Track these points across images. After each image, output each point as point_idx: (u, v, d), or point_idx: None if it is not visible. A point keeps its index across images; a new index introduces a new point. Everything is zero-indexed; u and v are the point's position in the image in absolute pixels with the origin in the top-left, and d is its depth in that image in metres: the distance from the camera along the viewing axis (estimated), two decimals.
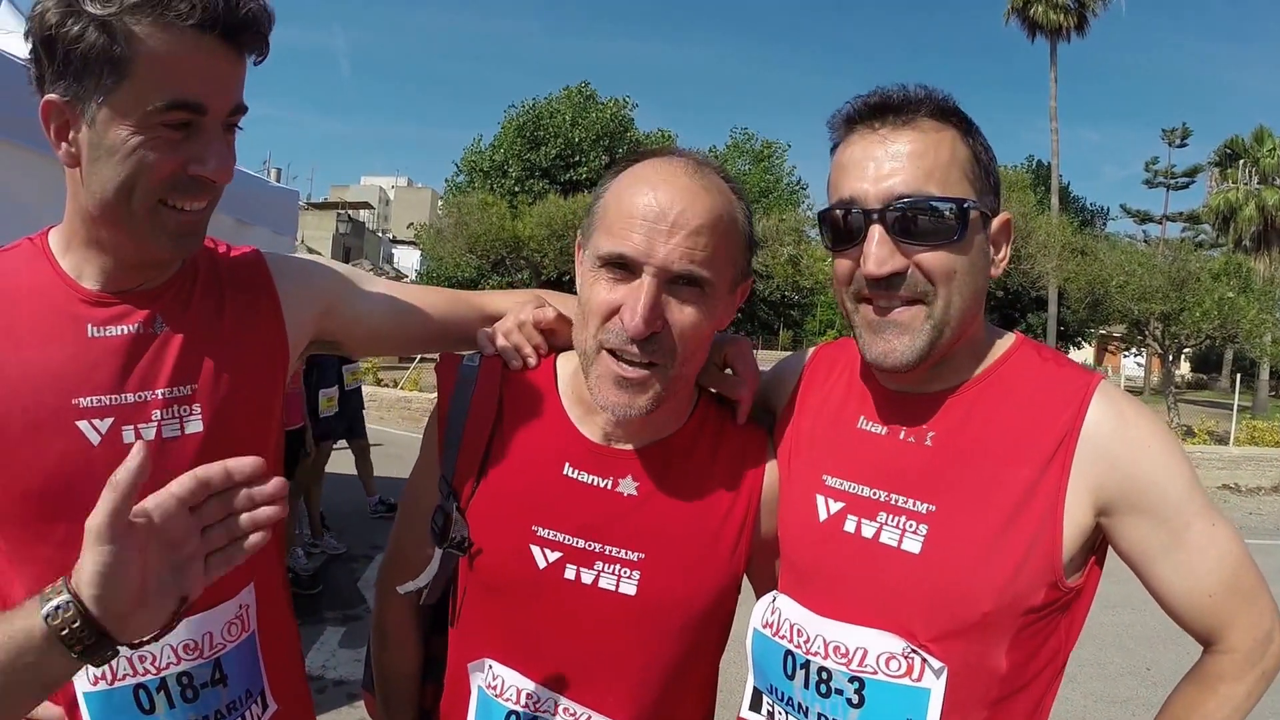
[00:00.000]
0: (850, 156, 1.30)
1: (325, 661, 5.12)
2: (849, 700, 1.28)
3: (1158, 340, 20.50)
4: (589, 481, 1.40)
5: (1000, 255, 1.35)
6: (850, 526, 1.32)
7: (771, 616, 1.40)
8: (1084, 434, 1.25)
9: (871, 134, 1.28)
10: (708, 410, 1.48)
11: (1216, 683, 1.27)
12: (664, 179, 1.29)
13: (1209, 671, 1.28)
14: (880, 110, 1.28)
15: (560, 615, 1.37)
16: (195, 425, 1.33)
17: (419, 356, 18.72)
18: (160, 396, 1.31)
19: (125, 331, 1.31)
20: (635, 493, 1.39)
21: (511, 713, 1.38)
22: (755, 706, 1.43)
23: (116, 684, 1.30)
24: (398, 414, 15.46)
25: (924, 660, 1.25)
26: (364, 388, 8.45)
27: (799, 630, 1.34)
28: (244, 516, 0.99)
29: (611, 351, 1.29)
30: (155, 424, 1.31)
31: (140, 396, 1.30)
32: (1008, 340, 1.39)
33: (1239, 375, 25.11)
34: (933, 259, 1.25)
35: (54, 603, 0.91)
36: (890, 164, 1.25)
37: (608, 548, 1.36)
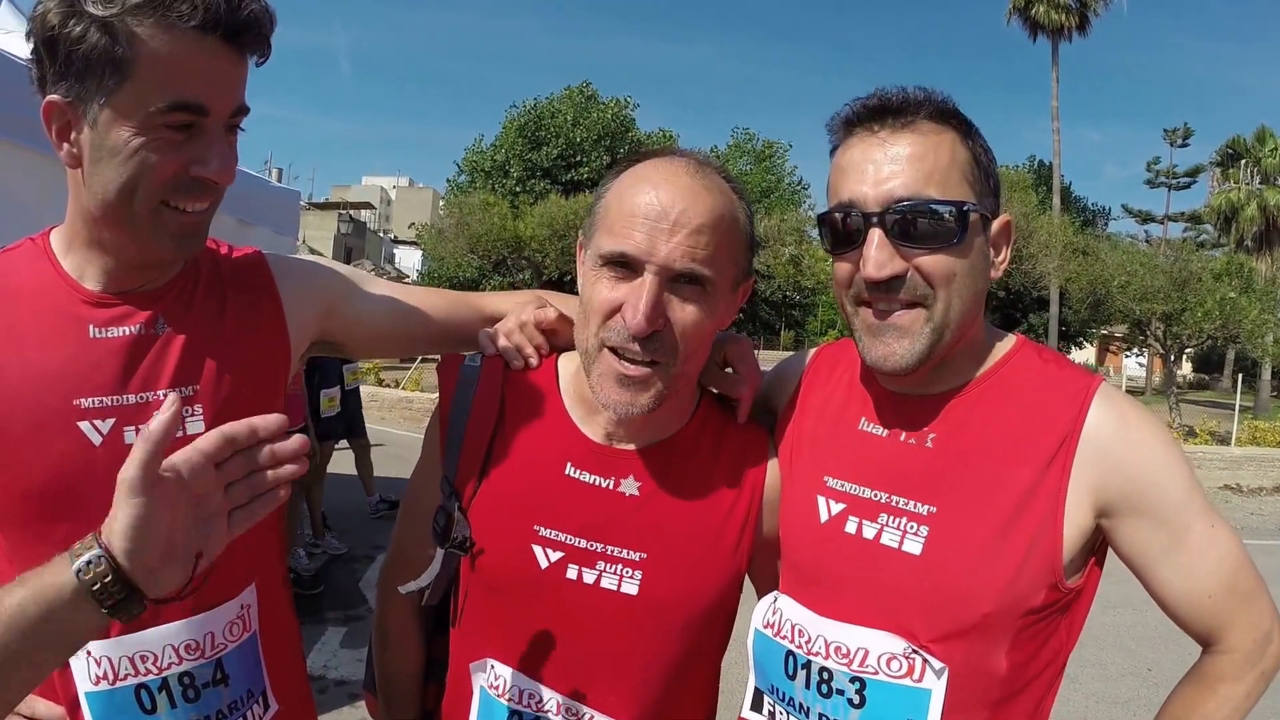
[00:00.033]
0: (849, 159, 1.29)
1: (327, 662, 5.12)
2: (850, 700, 1.28)
3: (1159, 340, 20.50)
4: (591, 481, 1.40)
5: (1000, 257, 1.35)
6: (851, 528, 1.32)
7: (773, 617, 1.40)
8: (1084, 436, 1.25)
9: (871, 137, 1.28)
10: (709, 410, 1.48)
11: (1216, 683, 1.27)
12: (665, 178, 1.29)
13: (1208, 672, 1.29)
14: (879, 113, 1.28)
15: (562, 615, 1.37)
16: (197, 426, 1.33)
17: (420, 357, 18.72)
18: (162, 397, 1.31)
19: (127, 332, 1.31)
20: (637, 493, 1.39)
21: (514, 712, 1.38)
22: (756, 706, 1.43)
23: (118, 684, 1.30)
24: (399, 414, 15.47)
25: (925, 661, 1.25)
26: (366, 388, 8.46)
27: (800, 630, 1.34)
28: (268, 473, 1.01)
29: (613, 350, 1.29)
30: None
31: (142, 397, 1.31)
32: (1008, 342, 1.39)
33: (1240, 375, 25.08)
34: (932, 262, 1.25)
35: (85, 557, 0.92)
36: (890, 167, 1.25)
37: (609, 548, 1.37)
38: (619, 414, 1.32)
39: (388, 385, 17.60)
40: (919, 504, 1.29)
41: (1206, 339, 20.63)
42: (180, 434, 1.31)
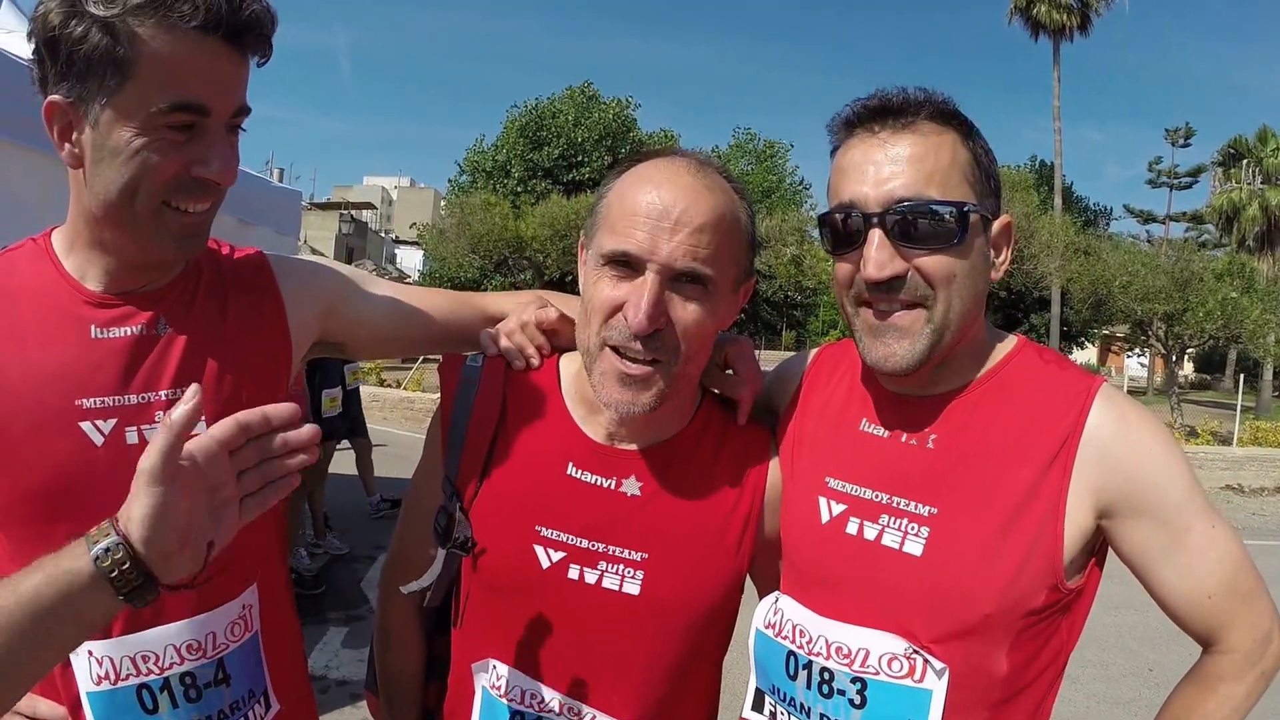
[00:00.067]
0: (850, 160, 1.30)
1: (328, 662, 5.12)
2: (851, 701, 1.28)
3: (1161, 341, 20.48)
4: (592, 481, 1.40)
5: (1001, 258, 1.35)
6: (853, 529, 1.33)
7: (774, 617, 1.40)
8: (1085, 437, 1.25)
9: (871, 137, 1.28)
10: (711, 411, 1.48)
11: (1216, 683, 1.27)
12: (667, 178, 1.29)
13: (1208, 672, 1.29)
14: (880, 113, 1.28)
15: (564, 615, 1.37)
16: (199, 426, 1.33)
17: (422, 357, 18.72)
18: (164, 398, 1.32)
19: (129, 333, 1.32)
20: (639, 493, 1.39)
21: (515, 712, 1.38)
22: (758, 707, 1.43)
23: (120, 684, 1.30)
24: (401, 414, 15.48)
25: (926, 661, 1.25)
26: (367, 388, 8.47)
27: (801, 631, 1.34)
28: (279, 462, 1.03)
29: (615, 349, 1.29)
30: (158, 425, 1.31)
31: (144, 398, 1.31)
32: (1009, 343, 1.39)
33: (1242, 376, 25.02)
34: (932, 262, 1.25)
35: (103, 545, 0.94)
36: (890, 167, 1.25)
37: (611, 547, 1.37)
38: (620, 413, 1.32)
39: (389, 385, 17.61)
40: (920, 505, 1.29)
41: (1208, 339, 20.62)
42: None
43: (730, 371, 1.51)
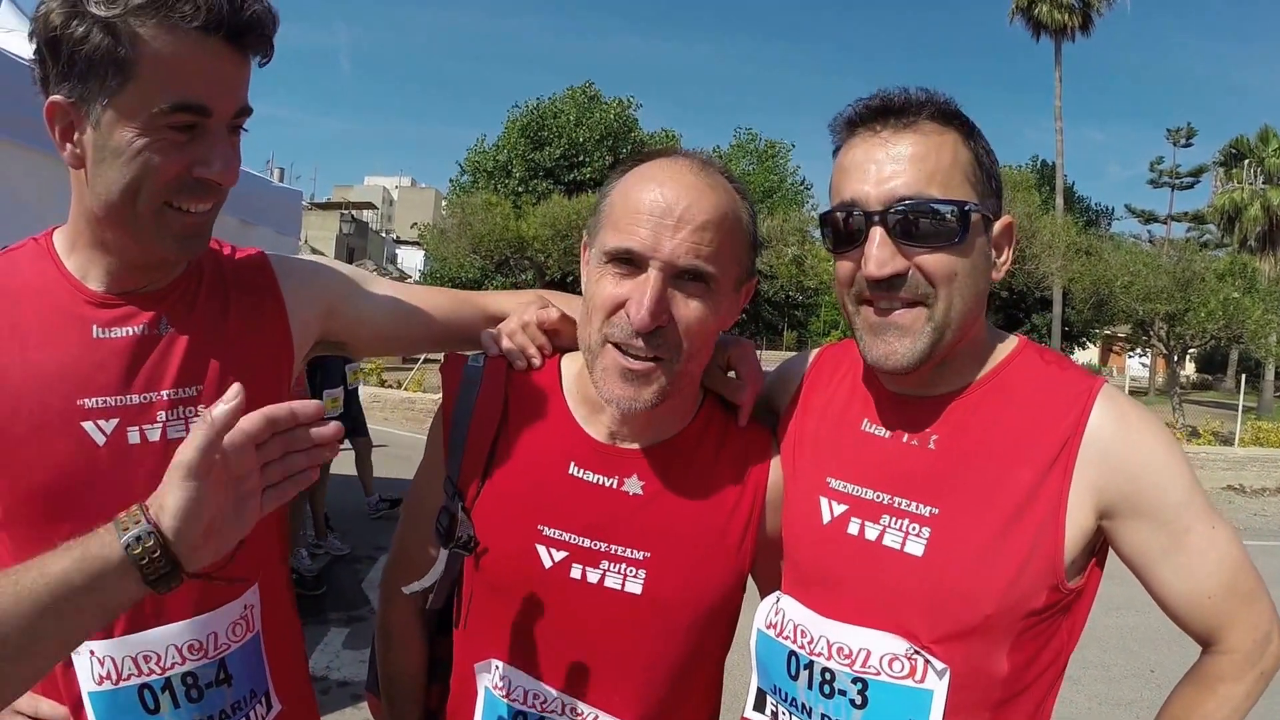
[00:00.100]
0: (852, 159, 1.30)
1: (329, 663, 5.13)
2: (852, 701, 1.28)
3: (1163, 341, 20.47)
4: (594, 481, 1.40)
5: (1002, 259, 1.35)
6: (854, 529, 1.33)
7: (775, 617, 1.40)
8: (1086, 437, 1.25)
9: (873, 136, 1.28)
10: (712, 411, 1.48)
11: (1216, 683, 1.28)
12: (670, 176, 1.30)
13: (1208, 672, 1.29)
14: (882, 113, 1.28)
15: (566, 615, 1.37)
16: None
17: (423, 357, 18.73)
18: (165, 398, 1.32)
19: (130, 333, 1.32)
20: (640, 492, 1.39)
21: (518, 712, 1.38)
22: (759, 707, 1.43)
23: (121, 684, 1.30)
24: (402, 415, 15.48)
25: (927, 661, 1.25)
26: (368, 389, 8.47)
27: (802, 631, 1.34)
28: (301, 455, 1.06)
29: (616, 345, 1.29)
30: (160, 425, 1.31)
31: (145, 398, 1.31)
32: (1010, 343, 1.39)
33: (1244, 376, 25.02)
34: (933, 261, 1.25)
35: (134, 533, 0.97)
36: (891, 166, 1.25)
37: (613, 547, 1.37)
38: (622, 409, 1.32)
39: (390, 386, 17.60)
40: (921, 505, 1.29)
41: (1210, 339, 20.60)
42: (183, 434, 1.32)
43: (732, 373, 1.51)
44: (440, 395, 1.52)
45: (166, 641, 1.32)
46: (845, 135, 1.33)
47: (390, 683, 1.63)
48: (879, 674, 1.27)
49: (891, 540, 1.29)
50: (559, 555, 1.37)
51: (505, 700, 1.39)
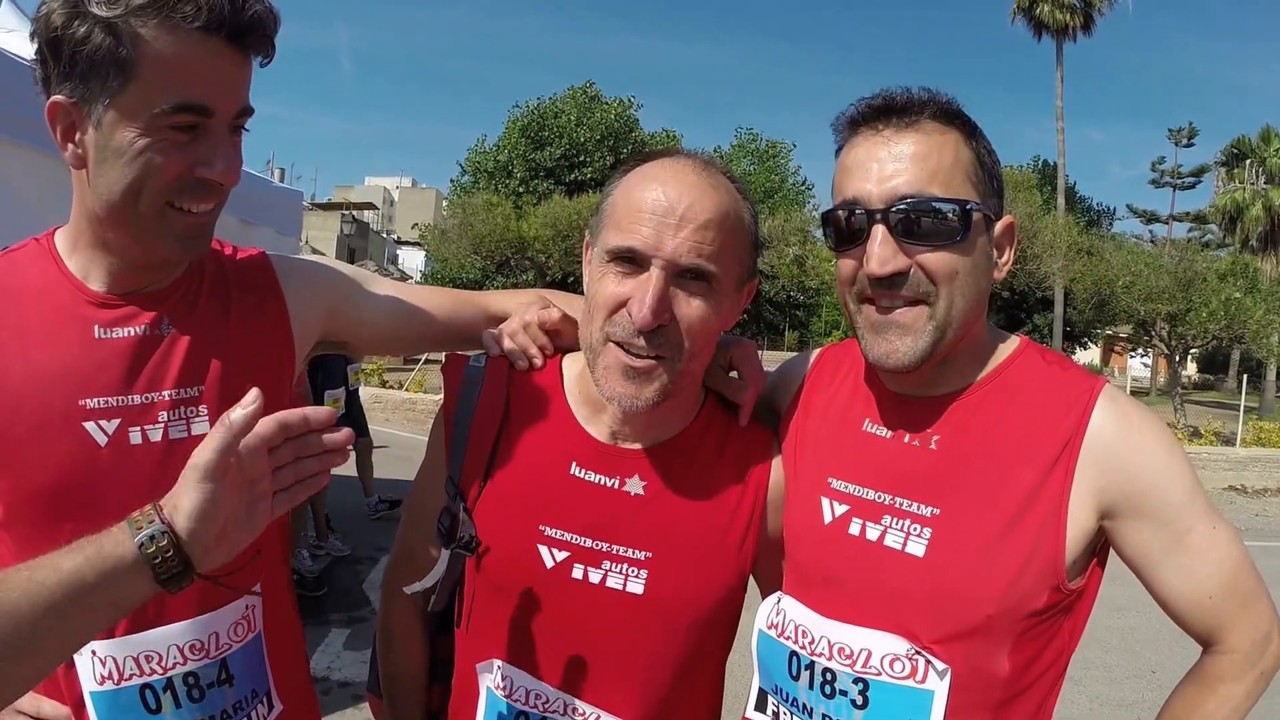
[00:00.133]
0: (854, 158, 1.30)
1: (330, 663, 5.13)
2: (853, 701, 1.28)
3: (1164, 341, 20.46)
4: (596, 481, 1.40)
5: (1004, 259, 1.35)
6: (855, 529, 1.32)
7: (776, 617, 1.40)
8: (1088, 438, 1.25)
9: (875, 135, 1.28)
10: (714, 410, 1.48)
11: (1216, 683, 1.28)
12: (673, 175, 1.30)
13: (1208, 672, 1.29)
14: (884, 112, 1.29)
15: (568, 615, 1.37)
16: (202, 426, 1.33)
17: (424, 358, 18.73)
18: (167, 398, 1.32)
19: (132, 333, 1.32)
20: (642, 492, 1.39)
21: (520, 713, 1.38)
22: (760, 707, 1.43)
23: (123, 684, 1.31)
24: (403, 415, 15.48)
25: (928, 662, 1.25)
26: (370, 389, 8.47)
27: (804, 631, 1.34)
28: (312, 460, 1.07)
29: (618, 344, 1.29)
30: (162, 425, 1.31)
31: (147, 398, 1.31)
32: (1012, 344, 1.39)
33: (1245, 376, 25.00)
34: (935, 259, 1.25)
35: (148, 532, 0.98)
36: (894, 165, 1.25)
37: (615, 547, 1.37)
38: (624, 407, 1.32)
39: (391, 387, 17.61)
40: (922, 506, 1.29)
41: (1211, 339, 20.59)
42: (185, 435, 1.32)
43: (734, 374, 1.51)
44: (441, 396, 1.52)
45: (168, 641, 1.32)
46: (848, 134, 1.33)
47: (391, 683, 1.63)
48: (880, 674, 1.27)
49: (893, 541, 1.29)
50: (561, 555, 1.37)
51: (507, 700, 1.39)
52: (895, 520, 1.30)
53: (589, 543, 1.37)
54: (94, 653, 1.28)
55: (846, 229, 1.30)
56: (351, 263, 2.02)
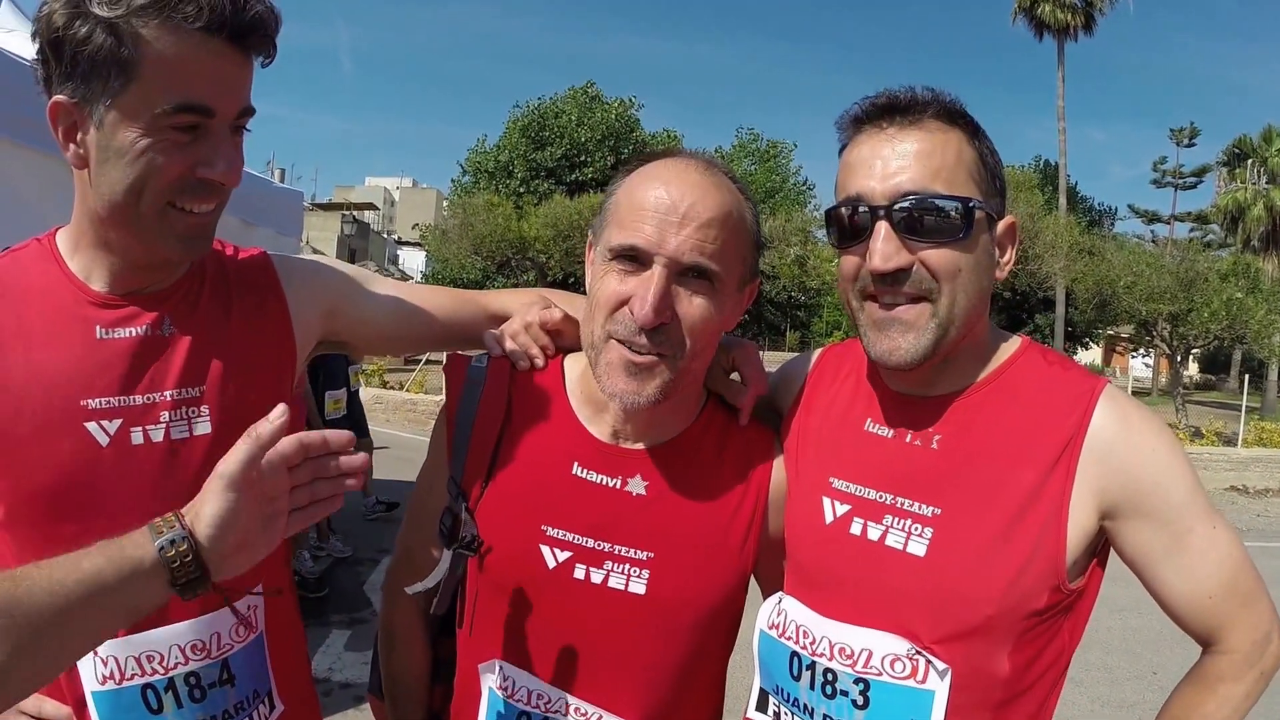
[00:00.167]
0: (858, 155, 1.30)
1: (331, 664, 5.13)
2: (854, 702, 1.28)
3: (1166, 341, 20.44)
4: (598, 481, 1.40)
5: (1005, 258, 1.35)
6: (856, 529, 1.32)
7: (777, 618, 1.40)
8: (1089, 438, 1.25)
9: (879, 133, 1.28)
10: (715, 411, 1.48)
11: (1216, 683, 1.28)
12: (675, 174, 1.31)
13: (1208, 672, 1.29)
14: (888, 110, 1.29)
15: (570, 615, 1.37)
16: (203, 427, 1.33)
17: (424, 359, 18.74)
18: (168, 398, 1.32)
19: (134, 333, 1.32)
20: (644, 492, 1.39)
21: (522, 713, 1.38)
22: (762, 707, 1.43)
23: (125, 684, 1.31)
24: (403, 416, 15.48)
25: (928, 662, 1.25)
26: (371, 390, 8.47)
27: (805, 631, 1.34)
28: (327, 483, 1.09)
29: (620, 341, 1.30)
30: (163, 425, 1.31)
31: (148, 398, 1.31)
32: (1013, 344, 1.39)
33: (1247, 376, 24.94)
34: (938, 256, 1.25)
35: (168, 537, 1.00)
36: (897, 162, 1.25)
37: (617, 547, 1.37)
38: (625, 404, 1.32)
39: (392, 388, 17.60)
40: (924, 505, 1.29)
41: (1213, 339, 20.57)
42: (186, 435, 1.32)
43: (735, 375, 1.51)
44: (442, 397, 1.52)
45: (170, 641, 1.32)
46: (851, 132, 1.34)
47: (393, 684, 1.63)
48: (881, 674, 1.27)
49: (894, 540, 1.29)
50: (563, 555, 1.37)
51: (508, 700, 1.39)
52: (896, 520, 1.30)
53: (591, 543, 1.37)
54: (96, 653, 1.28)
55: (850, 226, 1.30)
56: (352, 263, 2.02)
